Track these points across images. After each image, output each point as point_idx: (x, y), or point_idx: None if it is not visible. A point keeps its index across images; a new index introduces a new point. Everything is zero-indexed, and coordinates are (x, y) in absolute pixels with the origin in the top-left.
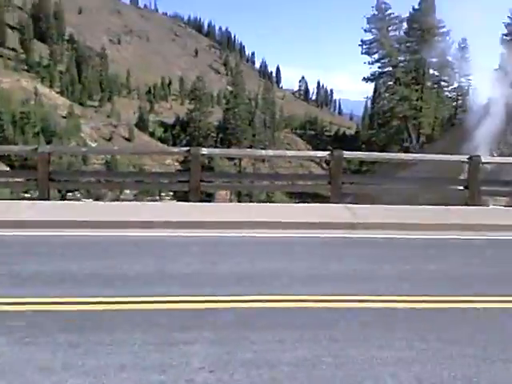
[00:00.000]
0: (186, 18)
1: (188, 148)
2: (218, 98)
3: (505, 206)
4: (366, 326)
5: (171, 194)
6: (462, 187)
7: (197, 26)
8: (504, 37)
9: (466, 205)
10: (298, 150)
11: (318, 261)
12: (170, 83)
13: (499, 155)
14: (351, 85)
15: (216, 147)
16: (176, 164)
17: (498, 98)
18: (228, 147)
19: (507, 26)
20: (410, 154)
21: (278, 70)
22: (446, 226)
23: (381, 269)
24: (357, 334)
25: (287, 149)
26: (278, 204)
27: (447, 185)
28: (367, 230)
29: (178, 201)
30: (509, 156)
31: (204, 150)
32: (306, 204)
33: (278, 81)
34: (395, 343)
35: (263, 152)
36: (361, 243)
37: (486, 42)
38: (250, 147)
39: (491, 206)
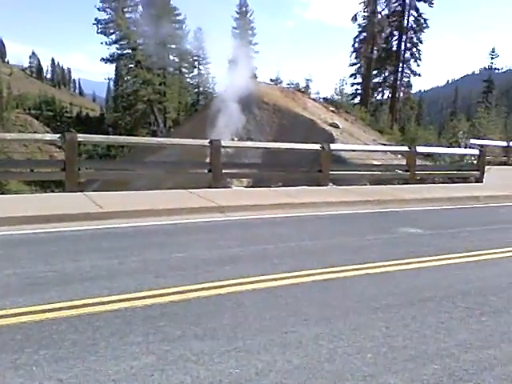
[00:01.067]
0: None
1: None
2: None
3: (246, 187)
4: (98, 335)
5: None
6: (206, 170)
7: None
8: (233, 30)
9: (210, 187)
10: (35, 132)
11: (37, 263)
12: None
13: (239, 140)
14: (90, 65)
15: None
16: None
17: (234, 87)
18: None
19: (235, 19)
20: (154, 138)
21: (1, 42)
22: (188, 210)
23: (121, 263)
24: (87, 348)
25: (20, 131)
26: (6, 196)
27: (193, 168)
28: (112, 219)
29: None
30: (246, 140)
31: None
32: (36, 194)
33: (3, 56)
34: (133, 349)
35: None
36: (104, 234)
37: (221, 32)
38: None
39: (234, 188)
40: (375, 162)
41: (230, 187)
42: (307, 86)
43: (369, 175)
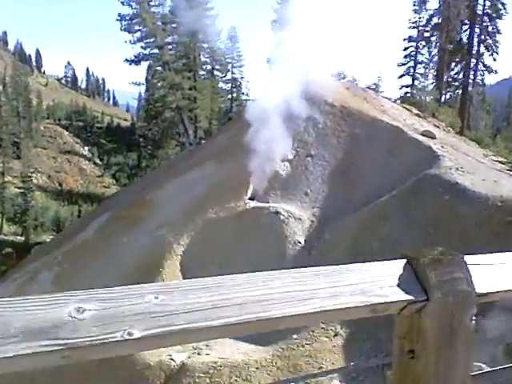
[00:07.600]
0: None
1: None
2: None
3: None
4: None
5: None
6: None
7: None
8: (274, 23)
9: None
10: (64, 143)
11: None
12: None
13: (294, 157)
14: (124, 73)
15: None
16: None
17: (274, 90)
18: None
19: (276, 11)
20: None
21: (38, 53)
22: None
23: None
24: None
25: (49, 142)
26: None
27: None
28: None
29: None
30: (305, 157)
31: None
32: None
33: (39, 66)
34: None
35: None
36: None
37: (258, 30)
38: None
39: None
40: None
41: None
42: (377, 85)
43: None
